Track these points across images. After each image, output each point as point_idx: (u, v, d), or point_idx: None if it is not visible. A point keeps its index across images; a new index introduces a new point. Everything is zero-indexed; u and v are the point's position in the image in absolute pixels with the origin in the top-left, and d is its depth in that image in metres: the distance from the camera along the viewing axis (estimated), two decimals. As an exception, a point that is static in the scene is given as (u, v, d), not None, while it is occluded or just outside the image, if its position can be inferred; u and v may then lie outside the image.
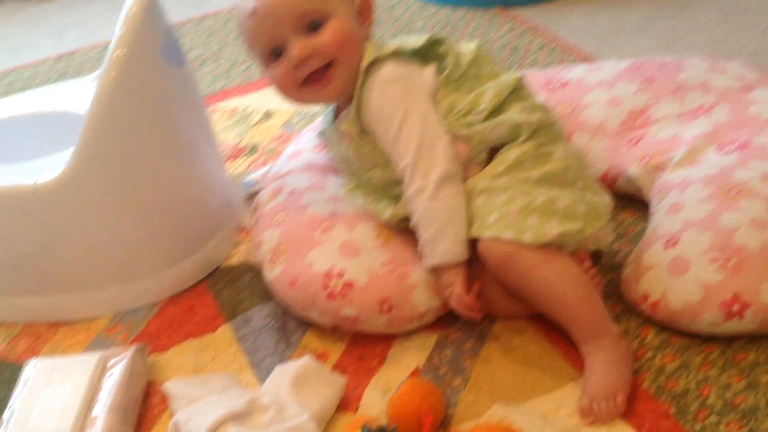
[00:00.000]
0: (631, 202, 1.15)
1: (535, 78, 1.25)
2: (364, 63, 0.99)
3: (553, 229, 0.92)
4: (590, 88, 1.20)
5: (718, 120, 1.10)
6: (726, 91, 1.13)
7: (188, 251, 1.14)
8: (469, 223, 0.97)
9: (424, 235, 0.98)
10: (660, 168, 1.09)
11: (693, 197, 0.99)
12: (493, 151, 1.00)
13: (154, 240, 1.12)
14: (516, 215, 0.94)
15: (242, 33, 1.02)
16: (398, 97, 0.98)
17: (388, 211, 1.04)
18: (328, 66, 0.99)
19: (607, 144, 1.15)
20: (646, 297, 0.95)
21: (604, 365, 0.90)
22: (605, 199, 0.99)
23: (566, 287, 0.93)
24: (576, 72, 1.24)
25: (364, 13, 1.03)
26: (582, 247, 0.95)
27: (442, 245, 0.96)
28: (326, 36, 0.98)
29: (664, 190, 1.05)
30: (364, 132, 1.02)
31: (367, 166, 1.05)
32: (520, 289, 0.95)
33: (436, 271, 0.99)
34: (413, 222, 0.99)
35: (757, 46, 1.49)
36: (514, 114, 0.99)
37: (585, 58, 1.52)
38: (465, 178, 0.99)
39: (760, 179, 0.98)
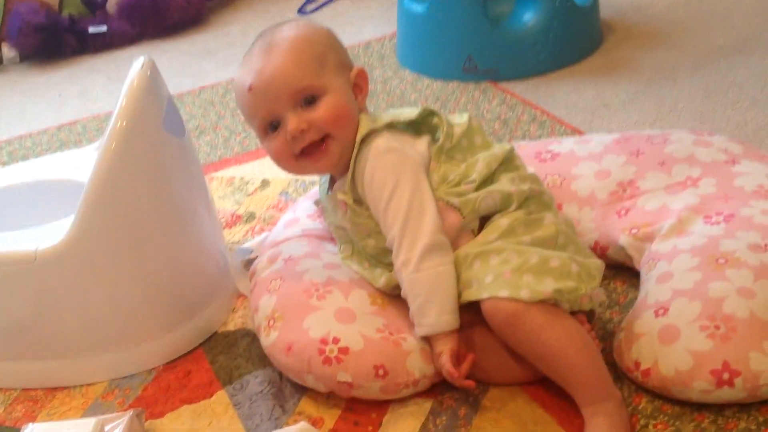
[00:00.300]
0: (622, 270, 1.17)
1: (526, 150, 1.28)
2: (359, 135, 1.02)
3: (548, 287, 0.94)
4: (579, 160, 1.23)
5: (704, 192, 1.13)
6: (712, 163, 1.17)
7: (185, 317, 1.15)
8: (466, 287, 0.98)
9: (412, 306, 1.00)
10: (649, 238, 1.11)
11: (681, 267, 1.02)
12: (485, 220, 1.03)
13: (152, 306, 1.13)
14: (511, 274, 0.96)
15: (240, 106, 1.06)
16: (390, 169, 1.01)
17: (382, 279, 1.06)
18: (324, 139, 1.02)
19: (597, 214, 1.18)
20: (638, 364, 0.97)
21: (605, 429, 0.91)
22: (597, 262, 1.01)
23: (573, 349, 0.94)
24: (565, 144, 1.27)
25: (358, 87, 1.06)
26: (576, 306, 0.97)
27: (429, 317, 0.98)
28: (321, 111, 1.01)
29: (653, 260, 1.07)
30: (358, 202, 1.05)
31: (362, 235, 1.07)
32: (524, 350, 0.96)
33: (428, 340, 1.00)
34: (402, 293, 1.01)
35: (742, 120, 1.53)
36: (504, 184, 1.02)
37: (574, 131, 1.56)
38: (457, 247, 1.01)
39: (746, 249, 1.01)
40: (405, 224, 0.99)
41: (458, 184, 1.03)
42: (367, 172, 1.02)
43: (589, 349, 0.95)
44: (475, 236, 1.02)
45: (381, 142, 1.03)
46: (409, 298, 1.01)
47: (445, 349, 0.98)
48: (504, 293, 0.95)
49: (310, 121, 1.01)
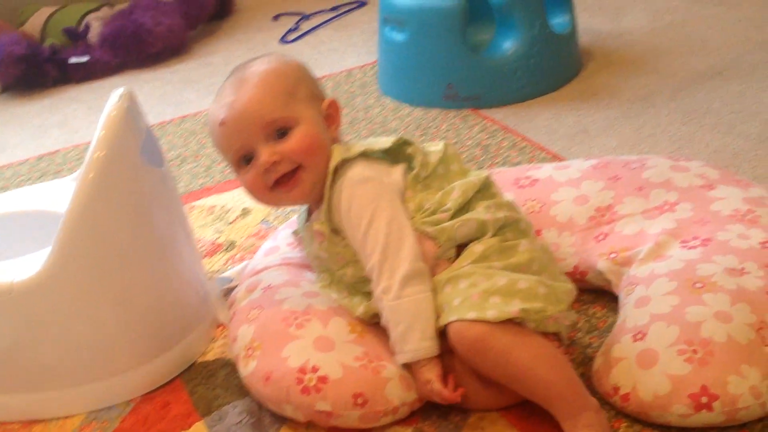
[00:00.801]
0: (601, 295, 1.17)
1: (505, 176, 1.29)
2: (332, 164, 1.03)
3: (515, 307, 0.94)
4: (558, 186, 1.24)
5: (681, 216, 1.13)
6: (688, 188, 1.18)
7: (164, 348, 1.15)
8: (439, 312, 0.99)
9: (393, 334, 1.00)
10: (627, 263, 1.12)
11: (659, 291, 1.02)
12: (462, 248, 1.03)
13: (130, 337, 1.12)
14: (479, 296, 0.96)
15: (213, 141, 1.07)
16: (367, 198, 1.01)
17: (361, 308, 1.06)
18: (296, 170, 1.03)
19: (576, 239, 1.18)
20: (617, 389, 0.97)
21: None
22: (567, 286, 1.01)
23: (544, 366, 0.94)
24: (544, 170, 1.28)
25: (331, 117, 1.07)
26: (542, 327, 0.97)
27: (410, 344, 0.98)
28: (292, 142, 1.02)
29: (631, 284, 1.08)
30: (335, 231, 1.05)
31: (340, 264, 1.07)
32: (495, 374, 0.96)
33: (411, 368, 1.00)
34: (382, 321, 1.01)
35: (719, 145, 1.54)
36: (480, 212, 1.03)
37: (554, 157, 1.57)
38: (434, 275, 1.01)
39: (723, 273, 1.01)
40: (384, 252, 1.00)
41: (434, 212, 1.03)
42: (343, 201, 1.02)
43: (559, 363, 0.95)
44: (452, 264, 1.02)
45: (357, 170, 1.03)
46: (389, 326, 1.00)
47: (433, 376, 0.98)
48: (471, 315, 0.95)
49: (282, 153, 1.02)
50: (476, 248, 1.01)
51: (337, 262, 1.07)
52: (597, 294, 1.17)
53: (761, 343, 0.94)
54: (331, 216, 1.04)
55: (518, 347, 0.94)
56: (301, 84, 1.05)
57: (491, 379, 0.97)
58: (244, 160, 1.04)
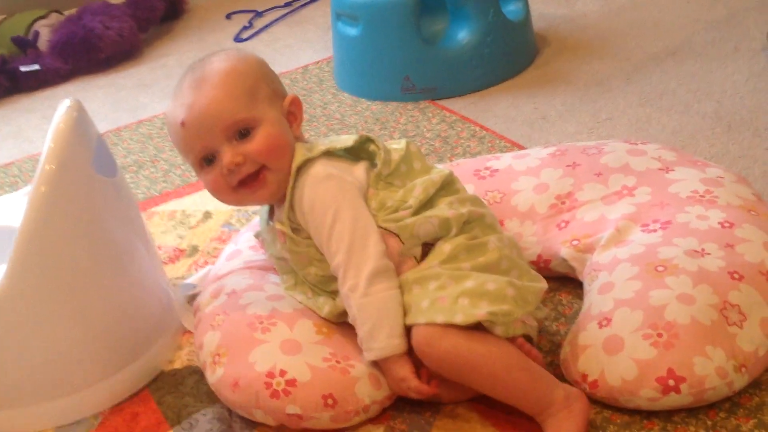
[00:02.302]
0: (567, 282, 1.18)
1: (465, 167, 1.29)
2: (295, 164, 1.02)
3: (482, 309, 0.94)
4: (518, 175, 1.24)
5: (640, 200, 1.14)
6: (646, 172, 1.18)
7: (129, 359, 1.13)
8: (407, 311, 0.98)
9: (361, 331, 0.99)
10: (589, 249, 1.12)
11: (622, 276, 1.02)
12: (426, 246, 1.02)
13: (93, 350, 1.10)
14: (447, 299, 0.96)
15: (174, 141, 1.05)
16: (330, 196, 1.00)
17: (326, 307, 1.05)
18: (260, 170, 1.02)
19: (538, 228, 1.19)
20: (585, 376, 0.97)
21: (563, 427, 0.92)
22: (537, 285, 1.01)
23: (508, 372, 0.94)
24: (503, 160, 1.28)
25: (293, 115, 1.06)
26: (510, 331, 0.97)
27: (378, 341, 0.98)
28: (256, 143, 1.01)
29: (594, 271, 1.08)
30: (297, 231, 1.04)
31: (303, 264, 1.06)
32: (468, 383, 0.97)
33: (380, 366, 1.00)
34: (350, 319, 1.01)
35: (677, 125, 1.56)
36: (442, 208, 1.02)
37: (514, 145, 1.57)
38: (400, 273, 1.01)
39: (684, 255, 1.02)
40: (350, 250, 0.99)
41: (396, 210, 1.03)
42: (306, 200, 1.01)
43: (523, 366, 0.95)
44: (418, 263, 1.02)
45: (319, 169, 1.02)
46: (357, 323, 1.00)
47: (406, 373, 0.97)
48: (440, 318, 0.95)
49: (245, 154, 1.01)
50: (444, 247, 1.00)
51: (300, 261, 1.06)
52: (562, 281, 1.18)
53: (725, 323, 0.95)
54: (294, 215, 1.03)
55: (489, 359, 0.94)
56: (261, 82, 1.04)
57: (459, 382, 0.97)
58: (205, 160, 1.03)
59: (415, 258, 1.02)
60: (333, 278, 1.03)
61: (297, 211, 1.03)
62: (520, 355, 0.96)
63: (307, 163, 1.02)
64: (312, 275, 1.06)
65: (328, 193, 1.01)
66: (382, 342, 0.98)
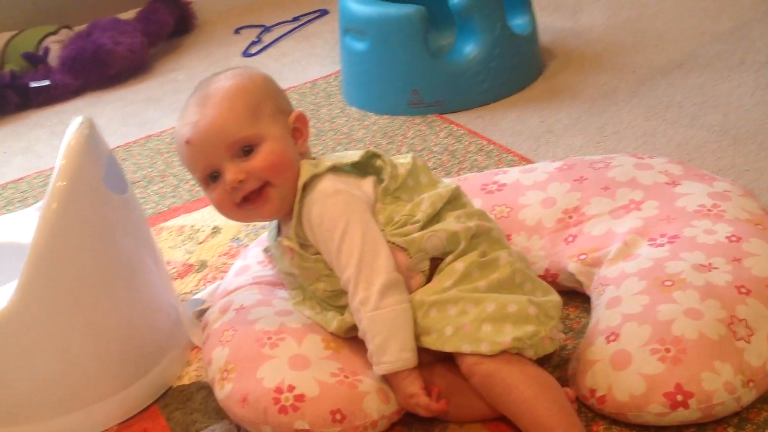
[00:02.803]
0: (574, 296, 1.18)
1: (473, 182, 1.29)
2: (301, 180, 1.03)
3: (507, 336, 0.95)
4: (525, 189, 1.24)
5: (647, 214, 1.14)
6: (653, 186, 1.18)
7: (138, 374, 1.14)
8: (424, 333, 0.99)
9: (371, 345, 0.99)
10: (597, 263, 1.13)
11: (629, 291, 1.03)
12: (435, 261, 1.03)
13: (103, 366, 1.11)
14: (470, 326, 0.96)
15: (180, 158, 1.07)
16: (338, 211, 1.01)
17: (335, 322, 1.06)
18: (264, 187, 1.03)
19: (546, 242, 1.19)
20: (593, 391, 0.97)
21: None
22: (555, 298, 1.02)
23: (542, 406, 0.93)
24: (511, 174, 1.29)
25: (298, 131, 1.07)
26: (541, 350, 0.97)
27: (389, 355, 0.98)
28: (259, 160, 1.02)
29: (602, 285, 1.08)
30: (305, 247, 1.04)
31: (312, 280, 1.07)
32: (498, 406, 0.97)
33: (390, 381, 1.00)
34: (360, 333, 1.01)
35: (683, 138, 1.56)
36: (450, 222, 1.03)
37: (521, 158, 1.58)
38: (409, 287, 1.01)
39: (691, 270, 1.02)
40: (360, 263, 0.99)
41: (404, 224, 1.03)
42: (315, 215, 1.02)
43: (560, 403, 0.94)
44: (427, 278, 1.02)
45: (327, 184, 1.03)
46: (367, 337, 1.00)
47: (416, 390, 0.98)
48: (466, 348, 0.95)
49: (248, 171, 1.02)
50: (458, 266, 1.00)
51: (308, 277, 1.07)
52: (569, 295, 1.18)
53: (732, 338, 0.95)
54: (302, 231, 1.04)
55: (521, 384, 0.94)
56: (266, 99, 1.05)
57: (497, 408, 0.98)
58: (210, 177, 1.04)
59: (424, 273, 1.03)
60: (341, 293, 1.03)
61: (305, 226, 1.03)
62: (558, 389, 0.95)
63: (314, 179, 1.03)
64: (320, 290, 1.07)
65: (337, 207, 1.01)
66: (393, 356, 0.98)
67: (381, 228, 1.03)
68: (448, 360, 1.00)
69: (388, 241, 1.02)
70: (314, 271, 1.06)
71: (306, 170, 1.03)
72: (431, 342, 0.98)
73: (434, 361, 1.01)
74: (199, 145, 1.02)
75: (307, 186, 1.03)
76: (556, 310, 1.00)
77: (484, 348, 0.95)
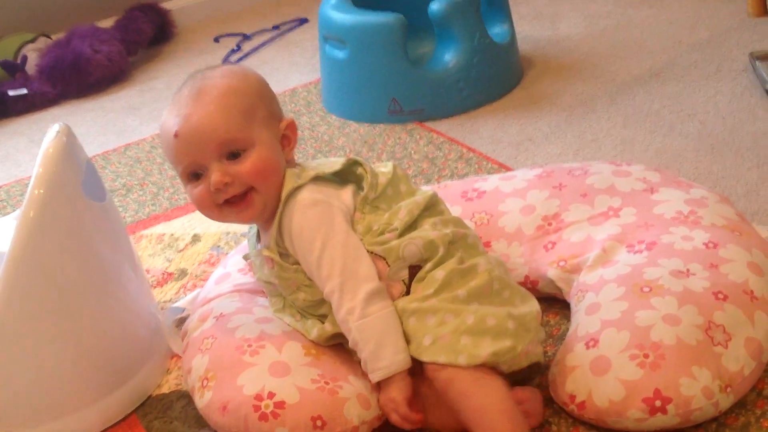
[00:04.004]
0: (554, 303, 1.18)
1: (452, 189, 1.30)
2: (285, 191, 1.02)
3: (485, 350, 0.95)
4: (505, 197, 1.25)
5: (626, 221, 1.15)
6: (631, 193, 1.19)
7: (117, 383, 1.13)
8: (406, 341, 0.99)
9: (364, 353, 0.99)
10: (576, 270, 1.13)
11: (608, 297, 1.03)
12: (413, 269, 1.03)
13: (81, 375, 1.10)
14: (449, 337, 0.96)
15: (164, 149, 1.05)
16: (317, 221, 1.01)
17: (314, 330, 1.06)
18: (247, 192, 1.02)
19: (525, 249, 1.20)
20: (573, 397, 0.97)
21: None
22: (533, 309, 1.02)
23: (494, 416, 0.94)
24: (490, 182, 1.29)
25: (287, 138, 1.06)
26: (516, 365, 0.98)
27: (384, 359, 0.98)
28: (246, 165, 1.01)
29: (581, 291, 1.09)
30: (285, 257, 1.04)
31: (291, 290, 1.06)
32: (456, 411, 0.97)
33: (381, 385, 1.00)
34: (351, 343, 1.01)
35: (660, 146, 1.57)
36: (426, 229, 1.03)
37: (501, 166, 1.59)
38: (390, 297, 1.01)
39: (669, 276, 1.03)
40: (343, 274, 0.99)
41: (382, 233, 1.03)
42: (294, 227, 1.02)
43: (513, 417, 0.95)
44: (406, 286, 1.02)
45: (306, 195, 1.02)
46: (359, 346, 1.00)
47: (400, 398, 0.98)
48: (442, 359, 0.96)
49: (234, 175, 1.01)
50: (438, 275, 1.00)
51: (288, 287, 1.07)
52: (549, 302, 1.18)
53: (710, 344, 0.96)
54: (282, 241, 1.03)
55: (475, 394, 0.95)
56: (260, 103, 1.03)
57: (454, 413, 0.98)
58: (194, 174, 1.03)
59: (403, 281, 1.03)
60: (321, 303, 1.03)
61: (285, 237, 1.03)
62: (513, 404, 0.96)
63: (296, 190, 1.03)
64: (300, 300, 1.07)
65: (316, 218, 1.01)
66: (388, 359, 0.98)
67: (359, 237, 1.03)
68: None
69: (367, 251, 1.02)
70: (294, 281, 1.05)
71: (290, 181, 1.03)
72: (411, 350, 0.98)
73: (418, 371, 1.01)
74: (187, 140, 1.00)
75: (289, 196, 1.02)
76: (534, 322, 1.00)
77: (462, 360, 0.95)
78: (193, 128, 1.00)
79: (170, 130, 1.01)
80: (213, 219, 1.07)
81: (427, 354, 0.97)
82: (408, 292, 1.02)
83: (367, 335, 0.98)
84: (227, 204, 1.03)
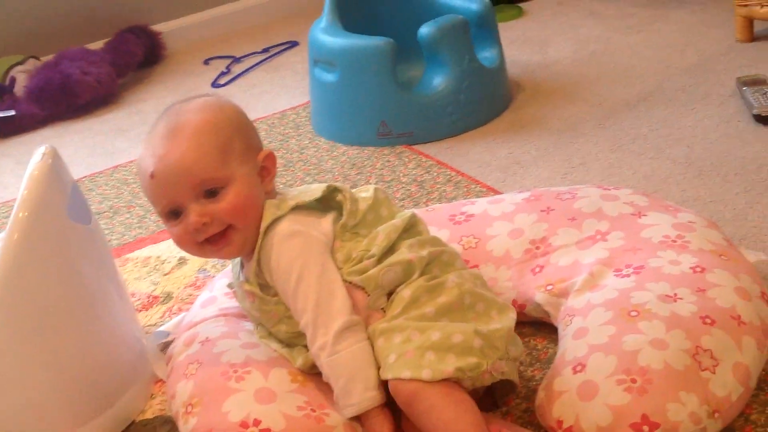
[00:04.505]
0: (541, 327, 1.18)
1: (441, 213, 1.29)
2: (264, 224, 1.01)
3: (449, 366, 0.94)
4: (493, 220, 1.25)
5: (613, 245, 1.15)
6: (619, 217, 1.19)
7: (100, 408, 1.11)
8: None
9: (335, 389, 0.99)
10: (564, 294, 1.13)
11: (596, 321, 1.03)
12: (390, 295, 1.02)
13: (65, 399, 1.09)
14: (413, 353, 0.96)
15: (143, 189, 1.04)
16: (294, 254, 1.00)
17: (300, 359, 1.05)
18: (226, 230, 1.01)
19: (513, 273, 1.19)
20: (560, 422, 0.97)
21: None
22: (506, 324, 1.00)
23: (467, 427, 0.93)
24: (478, 205, 1.29)
25: (266, 169, 1.04)
26: (479, 382, 0.97)
27: (354, 396, 0.97)
28: (224, 203, 1.00)
29: (569, 316, 1.08)
30: (266, 288, 1.03)
31: (273, 322, 1.06)
32: (421, 426, 0.96)
33: (361, 419, 0.99)
34: (324, 377, 1.00)
35: (648, 170, 1.58)
36: (403, 252, 1.02)
37: (489, 189, 1.58)
38: (363, 331, 1.00)
39: (657, 300, 1.03)
40: (316, 309, 0.98)
41: (360, 260, 1.02)
42: (273, 259, 1.00)
43: (477, 425, 0.94)
44: (386, 314, 1.02)
45: (285, 226, 1.01)
46: (331, 382, 0.99)
47: (381, 430, 0.97)
48: (406, 374, 0.95)
49: (212, 214, 0.99)
50: (404, 293, 1.00)
51: (270, 319, 1.06)
52: (537, 326, 1.18)
53: (698, 369, 0.95)
54: (261, 273, 1.03)
55: (443, 407, 0.94)
56: (236, 137, 1.02)
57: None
58: (172, 213, 1.02)
59: (383, 310, 1.02)
60: (303, 334, 1.02)
61: (264, 269, 1.02)
62: (479, 416, 0.95)
63: (275, 221, 1.02)
64: (282, 332, 1.06)
65: (293, 251, 1.00)
66: (358, 396, 0.97)
67: (339, 266, 1.02)
68: None
69: (345, 281, 1.01)
70: (275, 314, 1.05)
71: (269, 213, 1.01)
72: (380, 372, 0.98)
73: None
74: (163, 181, 0.99)
75: (268, 228, 1.01)
76: (502, 340, 0.99)
77: (426, 375, 0.94)
78: (168, 169, 0.98)
79: (146, 171, 1.00)
80: (195, 255, 1.05)
81: (391, 371, 0.96)
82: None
83: (337, 372, 0.98)
84: (207, 242, 1.01)
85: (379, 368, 0.98)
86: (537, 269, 1.18)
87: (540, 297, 1.15)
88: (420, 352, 0.95)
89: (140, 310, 1.40)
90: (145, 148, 1.02)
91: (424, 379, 0.94)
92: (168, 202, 1.01)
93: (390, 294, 1.02)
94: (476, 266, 1.20)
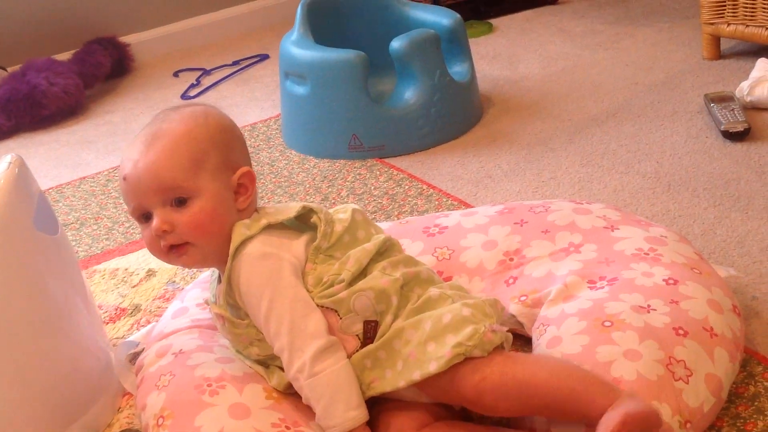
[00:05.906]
0: (516, 338, 1.17)
1: (415, 225, 1.29)
2: (233, 245, 1.00)
3: (447, 346, 0.94)
4: (467, 232, 1.25)
5: (586, 257, 1.15)
6: (592, 230, 1.20)
7: (65, 422, 1.09)
8: (378, 378, 0.98)
9: (317, 411, 0.97)
10: (537, 304, 1.13)
11: (569, 331, 1.03)
12: (368, 324, 1.00)
13: (29, 413, 1.06)
14: (415, 352, 0.96)
15: (120, 190, 1.04)
16: (264, 277, 0.99)
17: (275, 377, 1.04)
18: (184, 243, 1.00)
19: (487, 284, 1.19)
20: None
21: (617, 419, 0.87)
22: (490, 299, 1.02)
23: (559, 379, 0.92)
24: (452, 217, 1.29)
25: (243, 187, 1.03)
26: (488, 345, 0.95)
27: (335, 417, 0.96)
28: (186, 216, 0.99)
29: (543, 325, 1.08)
30: (237, 309, 1.02)
31: (244, 344, 1.05)
32: (525, 408, 0.94)
33: None
34: (304, 400, 0.99)
35: (618, 185, 1.59)
36: (375, 276, 1.01)
37: (461, 203, 1.59)
38: (342, 350, 0.99)
39: (630, 311, 1.03)
40: (291, 332, 0.97)
41: (331, 285, 1.00)
42: (243, 282, 0.99)
43: (566, 368, 0.94)
44: (361, 341, 1.00)
45: (255, 247, 1.00)
46: (312, 404, 0.98)
47: None
48: (417, 375, 0.95)
49: (174, 224, 0.99)
50: (398, 325, 1.00)
51: (240, 342, 1.05)
52: (512, 336, 1.17)
53: (671, 379, 0.95)
54: (231, 295, 1.01)
55: (535, 372, 0.92)
56: (212, 151, 1.00)
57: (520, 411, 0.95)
58: (143, 216, 1.01)
59: (358, 337, 1.00)
60: (275, 357, 1.01)
61: (234, 291, 1.01)
62: (556, 360, 0.95)
63: (245, 242, 1.00)
64: (254, 355, 1.05)
65: (263, 273, 0.99)
66: (340, 417, 0.96)
67: (309, 290, 1.00)
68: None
69: (317, 304, 1.00)
70: (246, 337, 1.03)
71: (238, 233, 1.00)
72: (386, 384, 0.97)
73: (382, 409, 1.00)
74: (133, 184, 1.00)
75: (237, 249, 1.00)
76: (492, 308, 1.00)
77: (432, 367, 0.94)
78: (139, 173, 0.99)
79: (121, 173, 1.01)
80: (162, 261, 1.04)
81: (402, 377, 0.96)
82: (363, 347, 1.00)
83: (317, 393, 0.97)
84: (171, 249, 1.01)
85: (383, 378, 0.98)
86: (511, 281, 1.18)
87: (514, 308, 1.15)
88: (421, 348, 0.96)
89: (107, 323, 1.37)
90: (126, 151, 1.03)
91: (432, 372, 0.94)
92: (137, 205, 1.01)
93: (366, 323, 1.00)
94: (450, 278, 1.20)
